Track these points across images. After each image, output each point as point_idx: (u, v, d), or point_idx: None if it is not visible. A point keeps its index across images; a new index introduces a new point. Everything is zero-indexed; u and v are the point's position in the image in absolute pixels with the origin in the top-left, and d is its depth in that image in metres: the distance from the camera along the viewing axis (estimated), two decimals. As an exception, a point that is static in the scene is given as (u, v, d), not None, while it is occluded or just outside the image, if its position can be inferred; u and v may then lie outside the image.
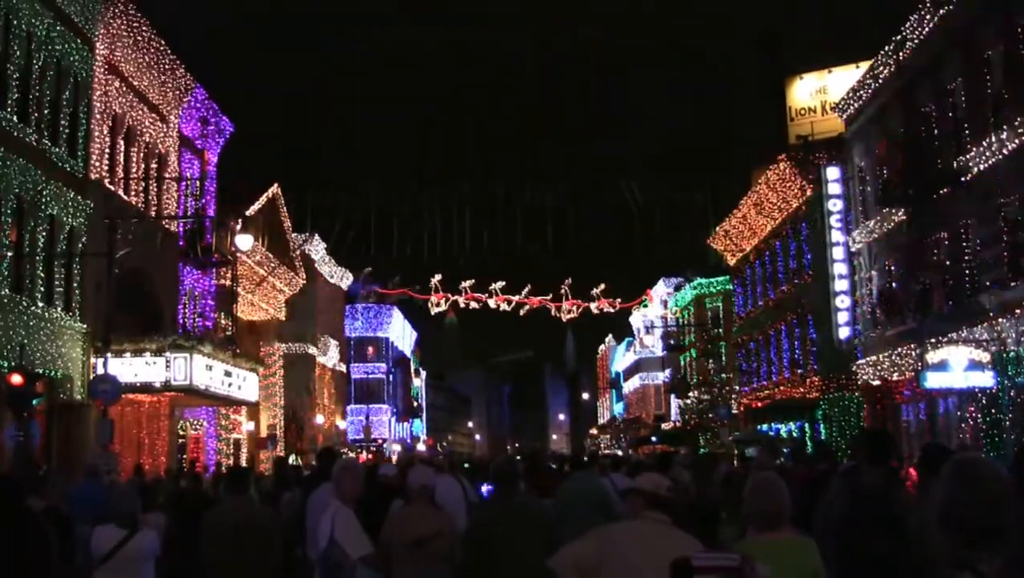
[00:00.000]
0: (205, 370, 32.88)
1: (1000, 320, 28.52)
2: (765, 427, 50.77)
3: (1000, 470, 4.34)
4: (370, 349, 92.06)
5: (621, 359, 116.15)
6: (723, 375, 66.36)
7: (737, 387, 62.24)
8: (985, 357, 28.86)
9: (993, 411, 29.14)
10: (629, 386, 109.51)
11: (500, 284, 65.11)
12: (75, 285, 30.36)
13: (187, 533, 10.47)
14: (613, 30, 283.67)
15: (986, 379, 28.82)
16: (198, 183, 40.57)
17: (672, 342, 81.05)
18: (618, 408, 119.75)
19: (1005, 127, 28.08)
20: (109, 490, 14.70)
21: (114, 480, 19.45)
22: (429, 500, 9.30)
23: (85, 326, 30.50)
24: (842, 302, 42.16)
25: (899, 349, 35.44)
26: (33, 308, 27.40)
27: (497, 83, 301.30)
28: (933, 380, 29.67)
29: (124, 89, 33.88)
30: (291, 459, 47.42)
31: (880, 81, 37.39)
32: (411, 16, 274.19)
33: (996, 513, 4.10)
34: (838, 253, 42.35)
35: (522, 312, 66.91)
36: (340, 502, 8.94)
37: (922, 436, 34.68)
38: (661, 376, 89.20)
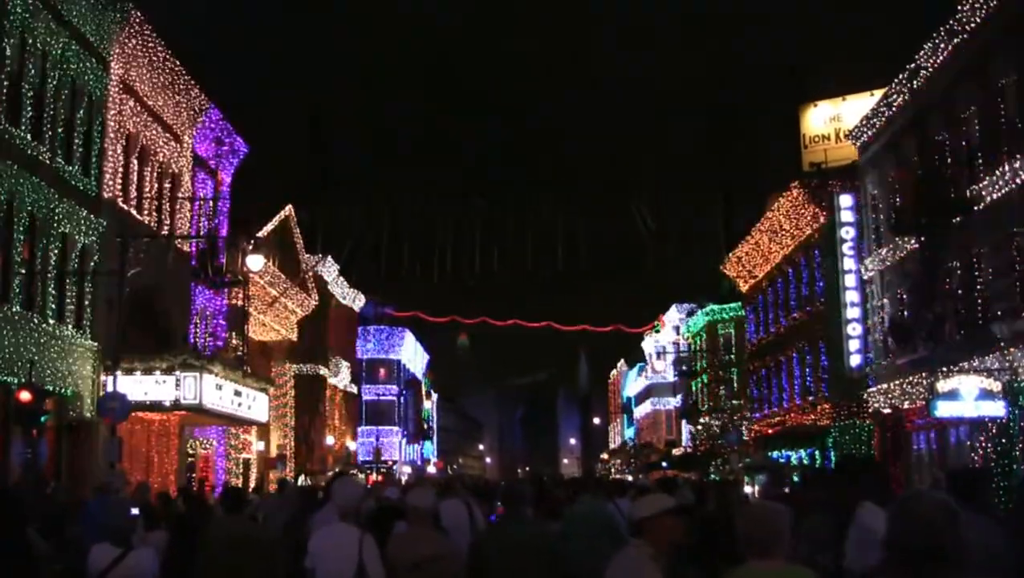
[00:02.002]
0: (215, 389, 32.87)
1: (1012, 349, 28.41)
2: (776, 454, 50.63)
3: (943, 500, 4.66)
4: (382, 371, 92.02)
5: (633, 384, 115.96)
6: (734, 401, 66.21)
7: (748, 414, 62.07)
8: (996, 386, 28.72)
9: (1004, 441, 28.99)
10: (640, 411, 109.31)
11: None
12: (86, 303, 30.42)
13: (184, 551, 10.43)
14: (625, 53, 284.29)
15: (997, 409, 28.66)
16: (211, 203, 40.65)
17: (684, 368, 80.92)
18: (629, 433, 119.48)
19: (1019, 156, 28.03)
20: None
21: (122, 498, 19.44)
22: (430, 522, 9.21)
23: (96, 344, 30.55)
24: (854, 330, 42.07)
25: (910, 377, 35.30)
26: (44, 325, 27.45)
27: (507, 99, 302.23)
28: (944, 409, 29.52)
29: (138, 108, 34.01)
30: (301, 480, 47.38)
31: (894, 109, 37.38)
32: (428, 31, 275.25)
33: (934, 537, 4.42)
34: (850, 281, 42.28)
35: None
36: (354, 525, 8.87)
37: (933, 465, 34.55)
38: (672, 402, 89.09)
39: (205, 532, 9.64)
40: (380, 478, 64.09)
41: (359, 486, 9.64)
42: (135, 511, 12.91)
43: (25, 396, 22.19)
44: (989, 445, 29.85)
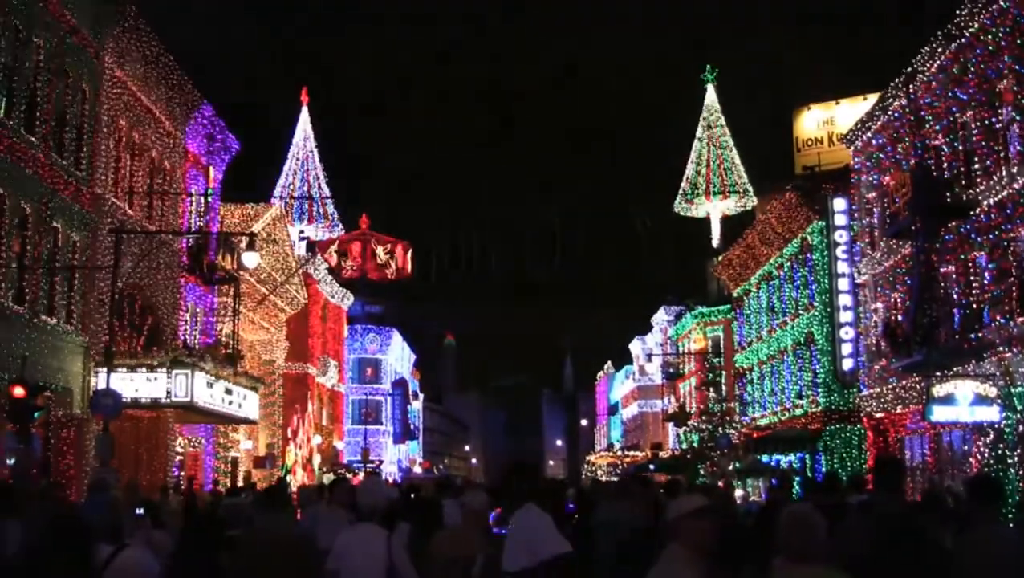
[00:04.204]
0: (206, 387, 32.68)
1: (1008, 354, 28.37)
2: (766, 458, 50.56)
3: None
4: (369, 370, 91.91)
5: (620, 386, 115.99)
6: (723, 405, 66.14)
7: (737, 417, 62.00)
8: (992, 391, 28.67)
9: (1000, 446, 28.95)
10: (627, 413, 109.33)
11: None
12: (77, 298, 30.19)
13: (191, 550, 10.25)
14: (619, 55, 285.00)
15: (992, 414, 28.63)
16: (203, 199, 40.44)
17: (671, 371, 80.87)
18: (616, 435, 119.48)
19: (1016, 161, 27.98)
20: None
21: (115, 496, 19.23)
22: (482, 523, 9.17)
23: (86, 339, 30.31)
24: (846, 334, 42.03)
25: (904, 382, 35.28)
26: (35, 320, 27.23)
27: (502, 103, 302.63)
28: (939, 413, 29.46)
29: (131, 104, 33.80)
30: (287, 479, 47.22)
31: (889, 113, 37.32)
32: (422, 32, 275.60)
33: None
34: (843, 284, 42.25)
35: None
36: (379, 525, 8.74)
37: (926, 470, 34.51)
38: (660, 404, 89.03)
39: (242, 533, 9.48)
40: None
41: (384, 489, 9.52)
42: (140, 511, 12.68)
43: (18, 391, 21.95)
44: (985, 450, 29.80)
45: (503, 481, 9.61)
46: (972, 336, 30.41)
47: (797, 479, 23.65)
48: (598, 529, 12.33)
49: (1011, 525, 14.68)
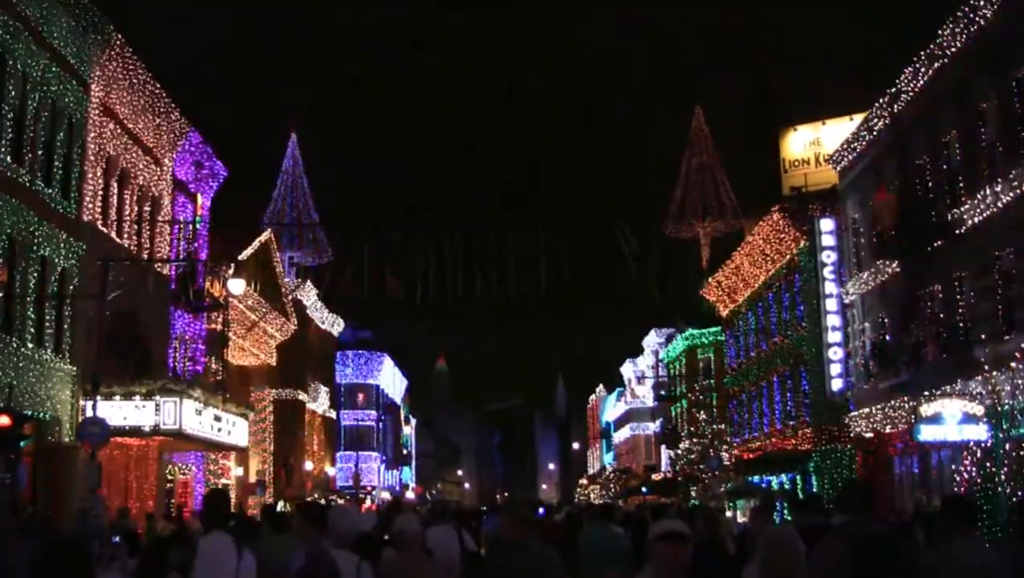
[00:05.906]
0: (195, 415, 32.61)
1: (994, 373, 28.40)
2: (757, 479, 50.55)
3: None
4: (360, 396, 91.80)
5: (612, 409, 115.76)
6: (714, 426, 66.16)
7: (728, 438, 61.98)
8: (979, 410, 28.70)
9: (988, 464, 28.96)
10: (619, 436, 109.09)
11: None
12: (65, 327, 30.15)
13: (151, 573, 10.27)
14: (605, 74, 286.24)
15: (980, 432, 28.64)
16: (191, 227, 40.45)
17: (663, 393, 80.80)
18: (608, 458, 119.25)
19: (1000, 179, 28.09)
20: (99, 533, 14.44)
21: (101, 524, 19.21)
22: (420, 547, 9.11)
23: (75, 368, 30.27)
24: (835, 354, 42.02)
25: (892, 401, 35.30)
26: (23, 349, 27.18)
27: (488, 124, 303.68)
28: (927, 433, 29.47)
29: (118, 131, 33.84)
30: (280, 506, 47.05)
31: (875, 133, 37.47)
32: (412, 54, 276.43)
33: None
34: (831, 305, 42.24)
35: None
36: (351, 553, 8.69)
37: (915, 489, 34.51)
38: (652, 426, 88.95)
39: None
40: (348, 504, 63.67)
41: (358, 515, 9.49)
42: (116, 539, 12.68)
43: (3, 420, 21.89)
44: (973, 469, 29.81)
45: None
46: (959, 355, 30.48)
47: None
48: (584, 548, 12.40)
49: (995, 541, 14.73)
